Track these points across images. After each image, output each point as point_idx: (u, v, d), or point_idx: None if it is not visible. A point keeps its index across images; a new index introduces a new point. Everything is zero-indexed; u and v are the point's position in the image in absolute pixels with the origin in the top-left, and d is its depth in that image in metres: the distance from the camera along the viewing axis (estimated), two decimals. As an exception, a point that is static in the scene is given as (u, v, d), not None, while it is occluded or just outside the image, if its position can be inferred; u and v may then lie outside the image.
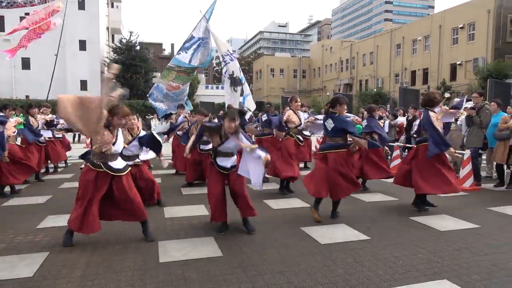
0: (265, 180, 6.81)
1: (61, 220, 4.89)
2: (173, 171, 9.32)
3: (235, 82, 10.26)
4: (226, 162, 4.39)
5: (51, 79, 11.04)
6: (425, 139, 5.35)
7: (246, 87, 10.49)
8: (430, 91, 5.59)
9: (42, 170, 8.62)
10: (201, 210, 5.42)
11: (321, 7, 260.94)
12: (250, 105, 10.38)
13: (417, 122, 10.43)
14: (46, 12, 10.29)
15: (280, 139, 6.79)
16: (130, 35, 36.16)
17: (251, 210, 4.40)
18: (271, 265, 3.41)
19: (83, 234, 4.03)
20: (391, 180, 7.19)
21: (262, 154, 4.12)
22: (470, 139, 7.36)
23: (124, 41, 36.21)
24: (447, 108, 5.59)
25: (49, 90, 10.80)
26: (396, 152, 9.31)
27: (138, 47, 36.80)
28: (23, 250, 3.83)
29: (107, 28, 39.47)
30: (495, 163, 7.81)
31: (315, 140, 11.94)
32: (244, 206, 4.39)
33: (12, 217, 5.14)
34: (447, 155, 5.21)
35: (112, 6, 40.79)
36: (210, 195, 4.38)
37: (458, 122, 8.38)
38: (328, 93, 43.07)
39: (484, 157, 8.44)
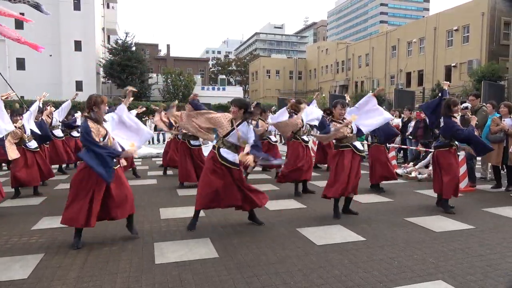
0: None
1: (56, 222, 4.85)
2: (169, 172, 9.31)
3: None
4: (228, 155, 4.42)
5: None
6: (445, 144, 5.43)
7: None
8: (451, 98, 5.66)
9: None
10: (197, 211, 5.40)
11: (317, 8, 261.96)
12: None
13: (412, 123, 10.51)
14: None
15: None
16: (126, 36, 36.10)
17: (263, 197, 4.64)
18: (267, 266, 3.41)
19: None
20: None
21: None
22: (464, 140, 7.39)
23: (119, 41, 36.13)
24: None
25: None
26: (392, 154, 9.35)
27: (134, 48, 36.70)
28: (17, 252, 3.80)
29: (103, 29, 39.35)
30: (490, 164, 7.85)
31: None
32: (254, 195, 4.54)
33: (7, 218, 5.10)
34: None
35: (108, 7, 40.67)
36: (211, 184, 4.36)
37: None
38: (323, 94, 43.14)
39: (478, 158, 8.48)
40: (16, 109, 6.71)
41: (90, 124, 3.81)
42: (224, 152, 4.42)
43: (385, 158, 7.01)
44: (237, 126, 4.40)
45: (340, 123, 5.08)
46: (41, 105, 7.17)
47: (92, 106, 3.87)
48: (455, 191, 5.39)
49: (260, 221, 4.73)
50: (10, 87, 7.85)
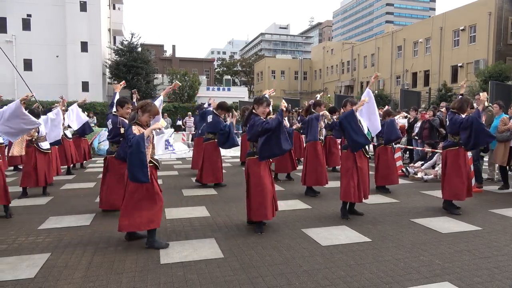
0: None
1: (63, 221, 4.91)
2: (174, 172, 9.33)
3: None
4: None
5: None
6: (454, 143, 5.35)
7: None
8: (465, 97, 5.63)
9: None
10: (201, 212, 5.42)
11: (322, 9, 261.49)
12: None
13: (418, 124, 10.45)
14: None
15: None
16: (132, 37, 36.21)
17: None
18: (272, 267, 3.41)
19: (85, 236, 4.02)
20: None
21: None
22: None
23: (125, 42, 36.25)
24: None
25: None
26: (398, 154, 9.30)
27: (139, 49, 36.84)
28: (24, 251, 3.83)
29: (109, 30, 39.56)
30: (496, 165, 7.79)
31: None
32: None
33: (14, 218, 5.14)
34: None
35: (114, 8, 40.87)
36: (266, 190, 4.37)
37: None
38: (329, 95, 43.06)
39: (485, 159, 8.42)
40: (32, 108, 6.78)
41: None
42: None
43: (391, 161, 6.99)
44: None
45: None
46: (61, 110, 7.39)
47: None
48: (468, 191, 5.36)
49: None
50: (30, 89, 7.91)
